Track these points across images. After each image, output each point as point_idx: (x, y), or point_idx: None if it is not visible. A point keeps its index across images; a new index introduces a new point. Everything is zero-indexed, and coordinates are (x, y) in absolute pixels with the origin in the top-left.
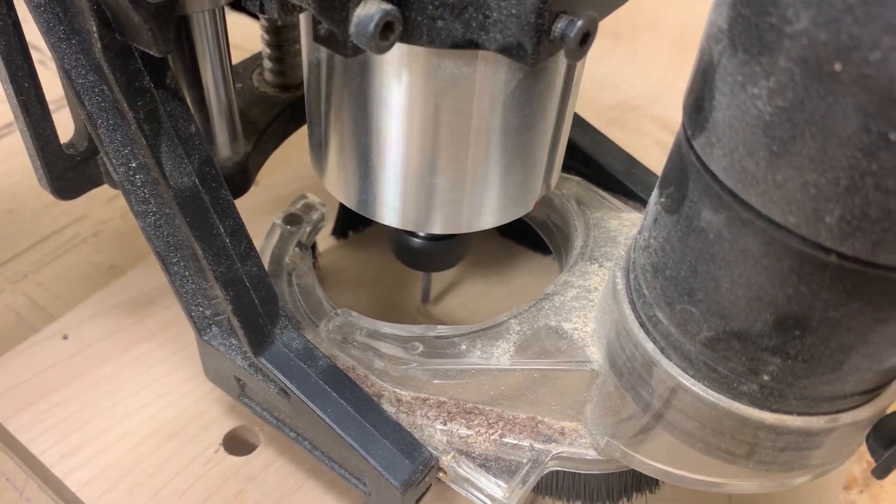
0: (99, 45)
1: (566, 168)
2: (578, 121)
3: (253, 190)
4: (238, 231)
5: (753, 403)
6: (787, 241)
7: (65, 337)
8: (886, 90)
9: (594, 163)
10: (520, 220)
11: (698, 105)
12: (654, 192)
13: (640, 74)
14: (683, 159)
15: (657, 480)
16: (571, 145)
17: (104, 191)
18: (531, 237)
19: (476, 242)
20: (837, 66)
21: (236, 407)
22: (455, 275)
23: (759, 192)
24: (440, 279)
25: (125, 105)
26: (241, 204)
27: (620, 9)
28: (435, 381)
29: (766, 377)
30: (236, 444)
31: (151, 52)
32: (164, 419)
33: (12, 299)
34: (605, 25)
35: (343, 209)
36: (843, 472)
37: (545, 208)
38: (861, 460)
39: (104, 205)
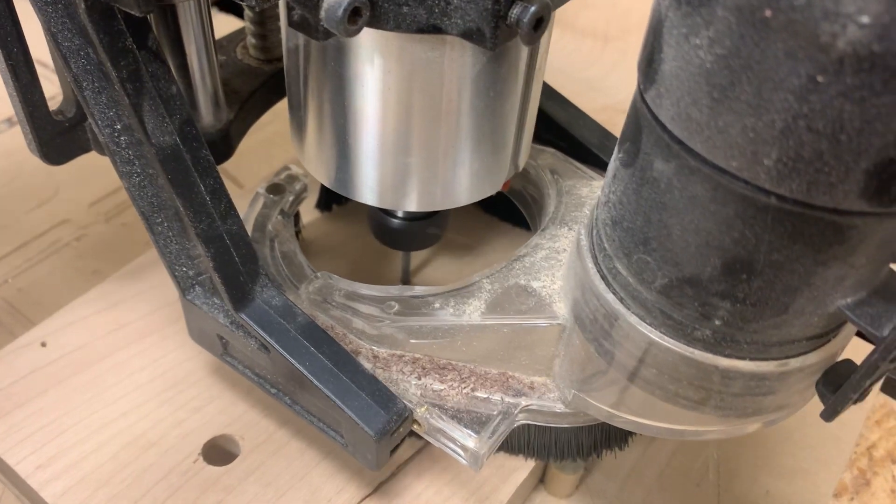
0: (83, 6)
1: (543, 141)
2: (553, 94)
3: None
4: (218, 190)
5: (707, 349)
6: (730, 186)
7: (43, 344)
8: (812, 34)
9: (569, 136)
10: (501, 194)
11: (649, 59)
12: (615, 150)
13: (630, 77)
14: (638, 114)
15: (626, 437)
16: (547, 119)
17: (87, 194)
18: (512, 212)
19: (455, 218)
20: (767, 13)
21: (216, 416)
22: (434, 249)
23: (703, 139)
24: (419, 254)
25: (109, 65)
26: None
27: (610, 11)
28: (410, 340)
29: (717, 322)
30: (216, 453)
31: (133, 12)
32: (142, 428)
33: None
34: (595, 28)
35: None
36: (833, 480)
37: (521, 180)
38: (852, 468)
39: (87, 208)
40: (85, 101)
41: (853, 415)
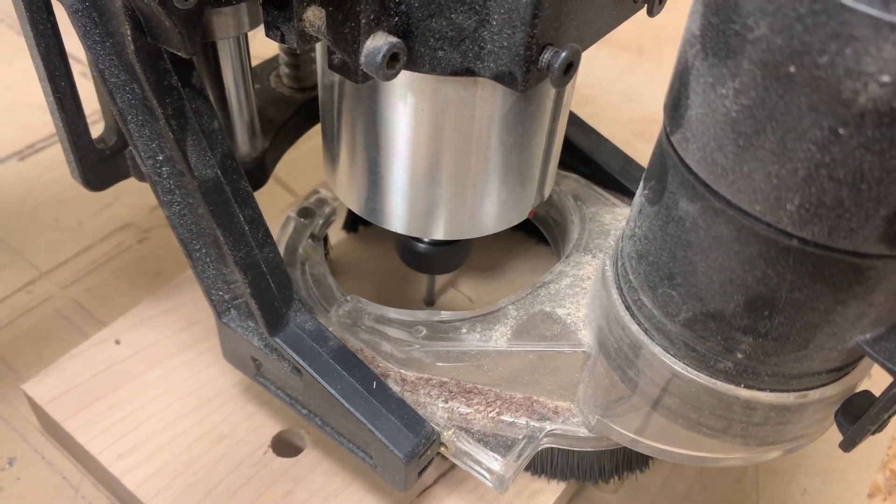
0: (132, 47)
1: (566, 167)
2: (578, 121)
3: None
4: (256, 219)
5: (729, 380)
6: (754, 228)
7: (117, 342)
8: (835, 90)
9: (592, 162)
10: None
11: (676, 104)
12: (640, 186)
13: (665, 88)
14: (664, 154)
15: (647, 460)
16: (571, 145)
17: (147, 199)
18: (534, 231)
19: (479, 239)
20: (792, 69)
21: (283, 410)
22: (458, 270)
23: (728, 183)
24: (444, 275)
25: (154, 102)
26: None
27: (644, 24)
28: (438, 363)
29: (739, 355)
30: (284, 446)
31: (180, 54)
32: (214, 422)
33: (61, 304)
34: (630, 40)
35: None
36: (866, 480)
37: (545, 205)
38: (885, 469)
39: (149, 213)
40: (129, 133)
41: None
